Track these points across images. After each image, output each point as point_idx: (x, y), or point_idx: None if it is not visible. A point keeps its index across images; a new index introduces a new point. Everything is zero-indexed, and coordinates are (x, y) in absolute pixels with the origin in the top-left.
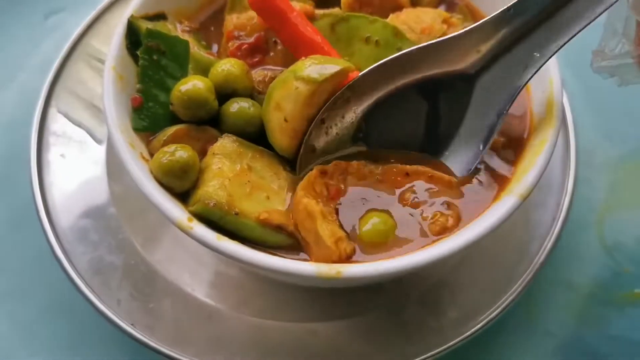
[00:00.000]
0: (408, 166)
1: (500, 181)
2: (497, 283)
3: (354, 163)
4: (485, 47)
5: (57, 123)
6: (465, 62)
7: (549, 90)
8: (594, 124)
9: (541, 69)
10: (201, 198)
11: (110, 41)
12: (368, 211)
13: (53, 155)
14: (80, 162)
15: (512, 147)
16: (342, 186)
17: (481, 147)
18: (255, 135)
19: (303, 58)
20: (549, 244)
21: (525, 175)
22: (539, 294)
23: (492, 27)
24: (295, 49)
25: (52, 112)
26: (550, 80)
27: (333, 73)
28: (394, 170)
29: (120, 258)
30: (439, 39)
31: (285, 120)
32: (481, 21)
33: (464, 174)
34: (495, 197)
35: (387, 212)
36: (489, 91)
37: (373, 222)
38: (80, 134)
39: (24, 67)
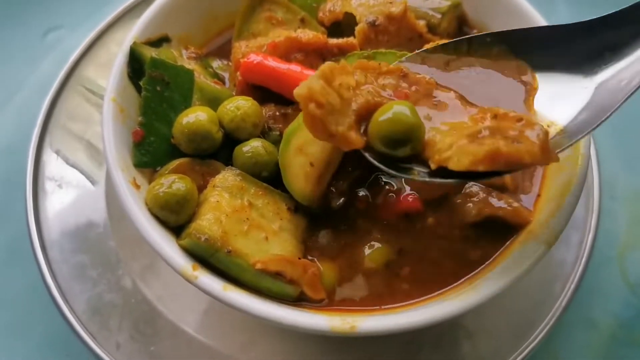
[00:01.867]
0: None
1: None
2: (517, 327)
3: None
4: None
5: (52, 165)
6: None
7: None
8: (616, 154)
9: None
10: (193, 232)
11: (108, 70)
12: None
13: (49, 185)
14: (78, 193)
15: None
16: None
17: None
18: (270, 179)
19: None
20: (572, 285)
21: (552, 219)
22: (560, 333)
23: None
24: None
25: (47, 151)
26: None
27: None
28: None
29: (119, 296)
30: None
31: (312, 164)
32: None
33: None
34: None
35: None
36: (605, 91)
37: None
38: (76, 174)
39: (23, 87)
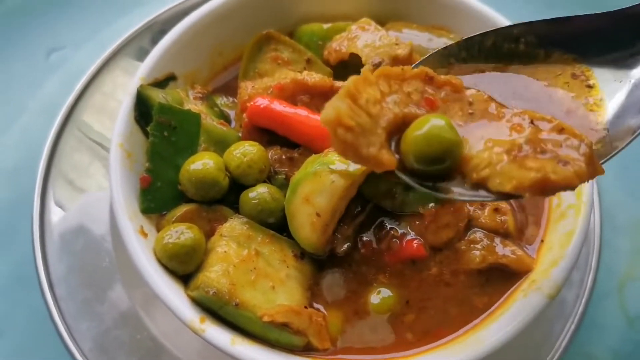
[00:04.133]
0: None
1: None
2: None
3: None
4: None
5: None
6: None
7: None
8: (617, 182)
9: None
10: (201, 285)
11: (103, 114)
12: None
13: (55, 216)
14: (84, 225)
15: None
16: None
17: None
18: (276, 226)
19: (332, 149)
20: (572, 326)
21: (555, 268)
22: None
23: None
24: (310, 143)
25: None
26: None
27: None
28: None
29: (125, 332)
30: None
31: (318, 215)
32: None
33: None
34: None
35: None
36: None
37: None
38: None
39: (27, 109)
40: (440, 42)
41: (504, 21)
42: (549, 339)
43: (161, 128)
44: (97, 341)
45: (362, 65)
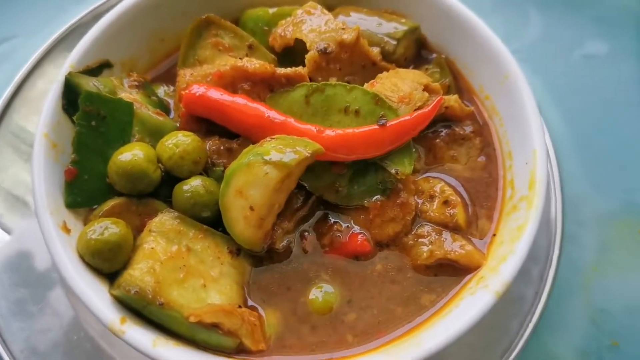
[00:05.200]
0: None
1: None
2: None
3: None
4: None
5: None
6: None
7: (532, 163)
8: (581, 173)
9: (524, 137)
10: (123, 283)
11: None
12: None
13: None
14: (19, 225)
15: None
16: None
17: None
18: (211, 220)
19: (267, 139)
20: (530, 324)
21: (503, 264)
22: None
23: None
24: (248, 133)
25: None
26: (534, 152)
27: (305, 157)
28: None
29: (61, 333)
30: None
31: (252, 208)
32: None
33: None
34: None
35: None
36: None
37: None
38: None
39: None
40: (390, 26)
41: (459, 5)
42: (506, 337)
43: (88, 117)
44: (30, 342)
45: (308, 52)
